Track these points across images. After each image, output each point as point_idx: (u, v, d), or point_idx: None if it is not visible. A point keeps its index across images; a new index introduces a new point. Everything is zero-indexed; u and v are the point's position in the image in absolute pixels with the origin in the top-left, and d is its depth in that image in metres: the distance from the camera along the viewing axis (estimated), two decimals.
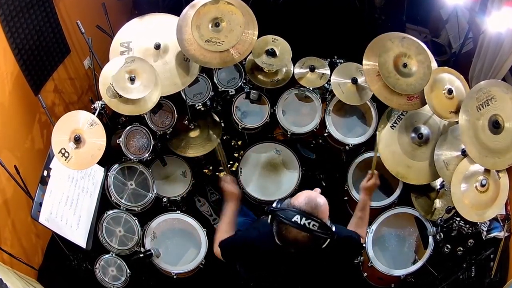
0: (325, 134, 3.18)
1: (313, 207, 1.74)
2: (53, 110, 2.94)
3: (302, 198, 1.77)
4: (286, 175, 3.20)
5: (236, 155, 3.54)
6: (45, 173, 2.35)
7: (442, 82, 2.52)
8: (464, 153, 2.45)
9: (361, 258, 2.91)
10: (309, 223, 1.69)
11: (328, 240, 1.75)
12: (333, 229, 1.75)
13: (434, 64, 2.57)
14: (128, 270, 2.70)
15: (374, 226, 2.83)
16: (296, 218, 1.70)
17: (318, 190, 1.89)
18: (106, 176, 2.74)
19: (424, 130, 2.69)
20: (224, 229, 2.13)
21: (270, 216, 1.79)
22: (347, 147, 3.12)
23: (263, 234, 1.90)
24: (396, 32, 2.61)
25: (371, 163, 2.60)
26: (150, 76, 2.51)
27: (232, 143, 3.58)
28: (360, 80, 2.91)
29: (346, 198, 3.17)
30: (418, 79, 2.49)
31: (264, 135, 3.43)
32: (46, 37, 2.71)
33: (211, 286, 3.04)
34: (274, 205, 1.82)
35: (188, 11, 2.57)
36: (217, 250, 2.08)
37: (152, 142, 2.87)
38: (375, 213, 2.90)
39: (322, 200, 1.78)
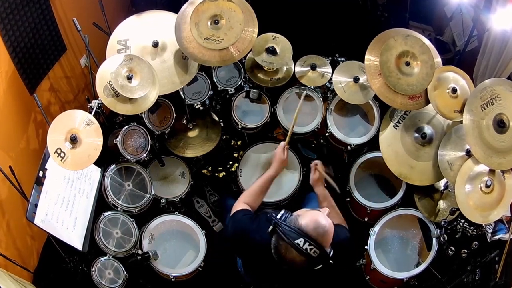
0: (327, 134, 3.14)
1: (319, 234, 1.70)
2: (49, 110, 2.91)
3: (311, 222, 1.72)
4: (287, 175, 3.16)
5: (235, 155, 3.51)
6: (41, 173, 2.31)
7: (446, 81, 2.50)
8: (468, 153, 2.42)
9: (364, 260, 2.88)
10: (310, 249, 1.67)
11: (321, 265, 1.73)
12: (330, 255, 1.73)
13: (438, 61, 2.53)
14: (125, 273, 2.66)
15: (376, 228, 2.79)
16: (299, 241, 1.67)
17: (326, 210, 1.85)
18: (103, 177, 2.70)
19: (428, 130, 2.66)
20: (245, 198, 2.12)
21: (271, 227, 1.76)
22: (349, 147, 3.08)
23: (261, 229, 1.89)
24: (401, 29, 2.58)
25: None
26: (148, 75, 2.48)
27: (232, 143, 3.55)
28: (362, 79, 2.88)
29: (348, 199, 3.13)
30: (420, 79, 2.47)
31: (264, 134, 3.39)
32: (41, 34, 2.67)
33: None
34: (279, 216, 1.78)
35: (187, 8, 2.53)
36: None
37: (150, 142, 2.83)
38: (377, 214, 2.87)
39: (329, 226, 1.74)
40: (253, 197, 2.14)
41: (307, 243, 1.66)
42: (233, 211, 2.05)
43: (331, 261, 1.74)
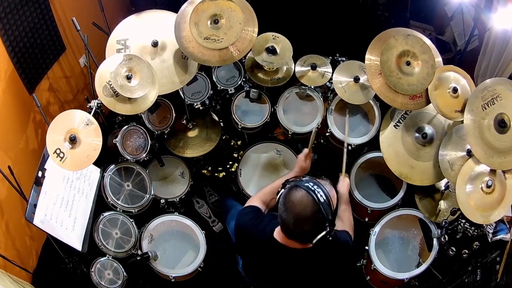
0: (327, 134, 3.13)
1: (328, 188, 1.82)
2: (48, 109, 2.90)
3: (320, 179, 1.86)
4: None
5: (235, 155, 3.49)
6: (40, 173, 2.31)
7: (447, 81, 2.49)
8: (469, 153, 2.40)
9: (364, 261, 2.86)
10: (318, 192, 1.72)
11: (324, 232, 1.74)
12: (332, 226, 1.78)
13: (439, 61, 2.52)
14: (125, 274, 2.65)
15: (377, 228, 2.78)
16: (309, 183, 1.75)
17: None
18: (102, 177, 2.69)
19: (428, 129, 2.65)
20: (261, 195, 2.16)
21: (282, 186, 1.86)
22: (349, 147, 3.06)
23: (263, 223, 1.93)
24: (402, 28, 2.57)
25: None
26: (147, 75, 2.47)
27: (232, 143, 3.54)
28: (363, 78, 2.87)
29: None
30: (421, 79, 2.46)
31: (264, 134, 3.38)
32: (40, 34, 2.66)
33: None
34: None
35: (187, 8, 2.52)
36: None
37: (150, 142, 2.82)
38: (378, 215, 2.86)
39: (333, 192, 1.87)
40: (268, 195, 2.17)
41: (316, 186, 1.75)
42: (246, 204, 2.09)
43: (333, 227, 1.78)
